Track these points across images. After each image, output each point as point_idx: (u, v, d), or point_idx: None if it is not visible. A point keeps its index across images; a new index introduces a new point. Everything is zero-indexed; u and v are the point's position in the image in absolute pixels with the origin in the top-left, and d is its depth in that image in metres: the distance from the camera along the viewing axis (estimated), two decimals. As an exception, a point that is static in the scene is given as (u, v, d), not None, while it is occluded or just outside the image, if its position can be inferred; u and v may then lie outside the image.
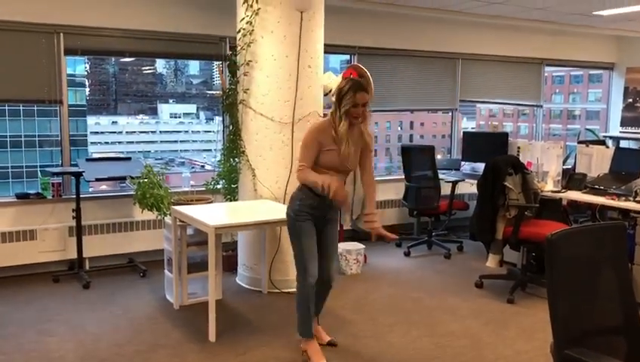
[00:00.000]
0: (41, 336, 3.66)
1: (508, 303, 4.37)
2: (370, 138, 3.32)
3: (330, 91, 4.93)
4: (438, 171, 5.65)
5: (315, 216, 3.27)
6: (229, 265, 4.90)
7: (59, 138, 5.08)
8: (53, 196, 4.92)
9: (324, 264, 3.34)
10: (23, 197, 4.85)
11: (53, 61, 4.80)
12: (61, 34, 4.80)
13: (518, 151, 5.66)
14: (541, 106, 7.73)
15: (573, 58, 7.85)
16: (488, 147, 5.86)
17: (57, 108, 4.94)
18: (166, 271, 4.38)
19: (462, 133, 6.83)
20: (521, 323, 3.99)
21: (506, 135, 5.99)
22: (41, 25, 4.72)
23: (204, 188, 5.25)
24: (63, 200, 4.92)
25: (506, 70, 7.29)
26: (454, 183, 5.74)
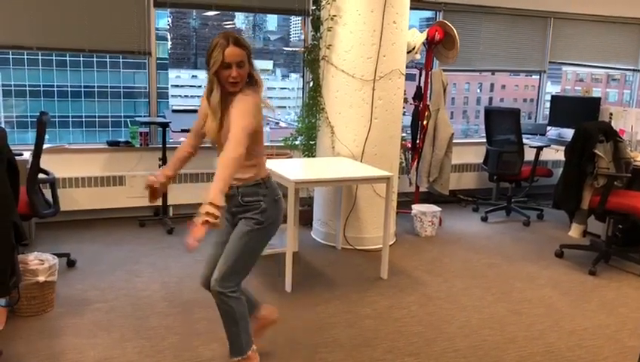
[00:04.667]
0: (129, 276, 3.89)
1: (589, 275, 4.22)
2: (237, 105, 2.35)
3: (414, 49, 4.82)
4: (522, 136, 5.44)
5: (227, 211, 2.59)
6: (304, 219, 4.99)
7: (146, 89, 5.28)
8: (140, 145, 5.15)
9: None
10: (113, 144, 5.11)
11: (143, 13, 4.95)
12: (151, -14, 4.94)
13: (610, 118, 5.36)
14: (638, 71, 7.23)
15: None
16: (578, 112, 5.59)
17: (146, 60, 5.12)
18: (245, 222, 4.52)
19: (550, 97, 6.52)
20: (603, 297, 3.85)
21: (597, 100, 5.67)
22: (132, -23, 4.86)
23: (282, 144, 5.32)
24: (150, 149, 5.15)
25: (602, 31, 6.83)
26: (539, 149, 5.52)
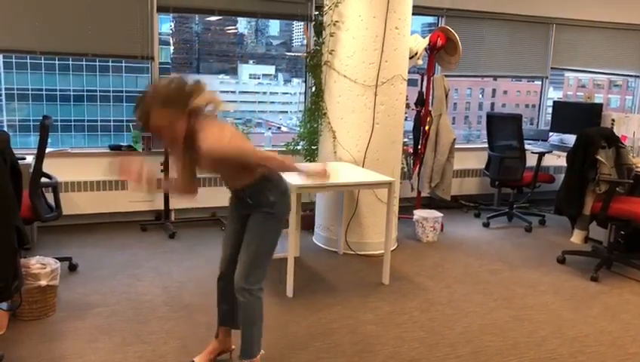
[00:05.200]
0: (131, 280, 3.89)
1: (591, 281, 4.22)
2: (204, 145, 2.25)
3: (417, 54, 4.83)
4: (524, 141, 5.44)
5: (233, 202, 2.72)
6: (306, 224, 4.99)
7: (149, 93, 5.28)
8: (143, 149, 5.16)
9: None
10: (115, 148, 5.12)
11: (146, 18, 4.96)
12: (154, -9, 4.96)
13: (612, 124, 5.36)
14: (640, 77, 7.23)
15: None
16: (580, 118, 5.60)
17: (149, 64, 5.13)
18: (246, 227, 4.52)
19: (552, 103, 6.53)
20: (605, 303, 3.84)
21: (599, 106, 5.68)
22: (135, -18, 4.88)
23: (284, 149, 5.32)
24: (152, 154, 5.15)
25: (604, 37, 6.84)
26: (541, 155, 5.51)
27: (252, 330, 2.58)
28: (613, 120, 5.44)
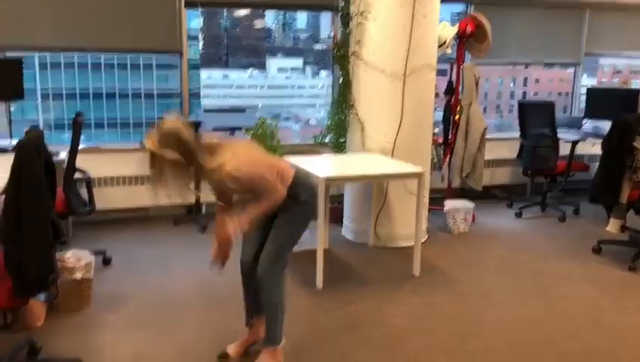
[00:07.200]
0: (164, 273, 3.95)
1: (629, 271, 4.11)
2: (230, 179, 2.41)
3: (445, 43, 4.76)
4: (557, 129, 5.31)
5: None
6: (335, 217, 4.98)
7: (179, 90, 5.34)
8: (173, 145, 5.21)
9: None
10: (146, 144, 5.19)
11: (174, 13, 5.01)
12: (181, -13, 4.99)
13: (650, 110, 5.20)
14: (679, 61, 6.99)
15: None
16: (615, 105, 5.44)
17: (178, 60, 5.18)
18: (276, 220, 4.53)
19: (585, 90, 6.37)
20: (644, 294, 3.74)
21: (636, 92, 5.51)
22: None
23: (312, 141, 5.31)
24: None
25: (640, 20, 6.62)
26: (574, 143, 5.38)
27: (275, 315, 2.66)
28: (650, 106, 5.28)
